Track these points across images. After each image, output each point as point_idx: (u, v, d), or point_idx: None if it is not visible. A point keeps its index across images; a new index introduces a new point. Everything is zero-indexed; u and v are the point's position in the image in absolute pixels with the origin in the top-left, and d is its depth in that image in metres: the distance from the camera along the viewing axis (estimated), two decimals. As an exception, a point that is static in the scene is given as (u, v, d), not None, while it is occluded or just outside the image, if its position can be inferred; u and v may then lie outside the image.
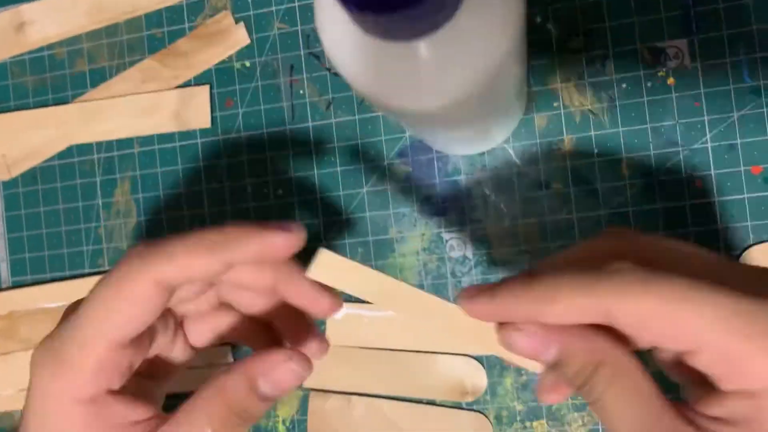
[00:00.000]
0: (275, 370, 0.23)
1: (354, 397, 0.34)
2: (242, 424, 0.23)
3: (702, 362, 0.18)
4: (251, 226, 0.22)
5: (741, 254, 0.30)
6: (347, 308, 0.34)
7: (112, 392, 0.23)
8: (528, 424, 0.33)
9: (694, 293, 0.18)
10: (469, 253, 0.33)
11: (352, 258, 0.34)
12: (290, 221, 0.23)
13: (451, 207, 0.33)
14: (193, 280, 0.23)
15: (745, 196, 0.30)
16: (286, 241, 0.22)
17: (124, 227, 0.37)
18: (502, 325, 0.20)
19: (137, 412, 0.23)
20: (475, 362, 0.33)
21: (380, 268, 0.34)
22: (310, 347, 0.27)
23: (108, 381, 0.22)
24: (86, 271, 0.38)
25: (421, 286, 0.33)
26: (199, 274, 0.22)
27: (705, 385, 0.19)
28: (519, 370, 0.33)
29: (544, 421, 0.32)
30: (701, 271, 0.19)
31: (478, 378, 0.33)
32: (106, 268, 0.37)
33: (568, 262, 0.22)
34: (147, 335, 0.24)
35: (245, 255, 0.22)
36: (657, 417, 0.18)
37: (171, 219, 0.36)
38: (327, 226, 0.35)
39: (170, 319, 0.26)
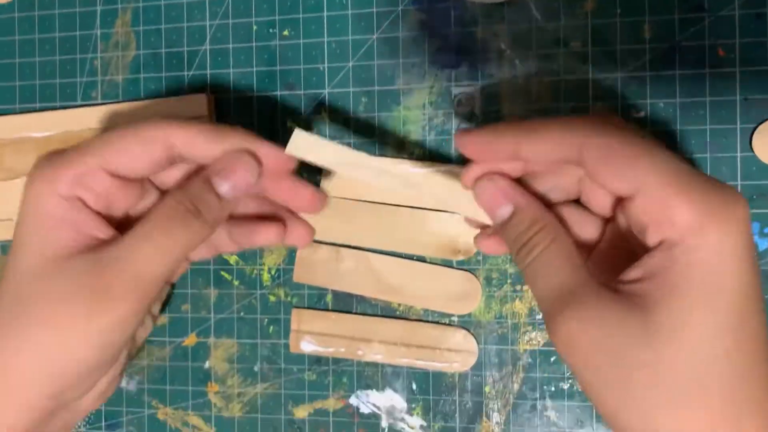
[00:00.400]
0: (229, 167, 0.25)
1: (343, 250, 0.33)
2: (199, 223, 0.25)
3: (638, 207, 0.21)
4: (259, 139, 0.26)
5: (756, 128, 0.29)
6: (345, 157, 0.33)
7: (86, 204, 0.25)
8: (518, 287, 0.32)
9: (647, 146, 0.21)
10: (478, 110, 0.32)
11: (354, 109, 0.33)
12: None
13: (464, 60, 0.32)
14: (193, 156, 0.26)
15: (768, 68, 0.29)
16: (278, 158, 0.26)
17: (121, 60, 0.36)
18: (477, 180, 0.25)
19: (101, 229, 0.25)
20: None
21: (383, 121, 0.33)
22: (298, 230, 0.29)
23: (84, 192, 0.25)
24: (78, 103, 0.36)
25: (423, 142, 0.32)
26: (199, 152, 0.25)
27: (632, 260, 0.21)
28: (515, 232, 0.32)
29: (534, 285, 0.32)
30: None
31: (471, 237, 0.32)
32: (99, 101, 0.36)
33: None
34: (132, 193, 0.27)
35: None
36: (581, 281, 0.21)
37: (170, 54, 0.35)
38: (332, 72, 0.33)
39: None
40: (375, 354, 0.33)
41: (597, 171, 0.21)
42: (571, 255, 0.22)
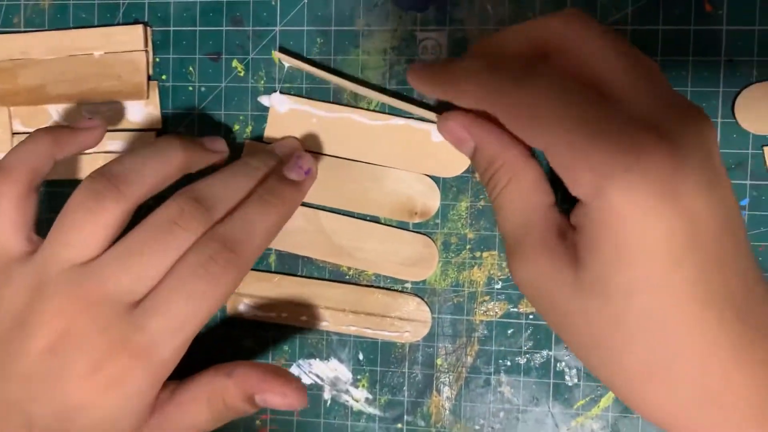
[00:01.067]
0: (271, 393, 0.26)
1: (290, 206, 0.30)
2: (230, 417, 0.26)
3: (552, 164, 0.20)
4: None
5: (739, 92, 0.27)
6: (294, 103, 0.30)
7: None
8: (478, 254, 0.29)
9: (555, 100, 0.20)
10: (444, 58, 0.29)
11: (308, 50, 0.30)
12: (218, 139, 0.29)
13: (432, 2, 0.29)
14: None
15: (756, 28, 0.27)
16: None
17: (48, -18, 0.32)
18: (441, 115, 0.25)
19: None
20: (430, 180, 0.29)
21: (340, 65, 0.30)
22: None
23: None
24: (-3, 29, 0.32)
25: (383, 91, 0.29)
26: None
27: None
28: (476, 194, 0.29)
29: (495, 252, 0.29)
30: (613, 80, 0.20)
31: (430, 198, 0.29)
32: (22, 28, 0.32)
33: (501, 45, 0.24)
34: None
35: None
36: (531, 226, 0.22)
37: (104, -21, 0.31)
38: (285, 7, 0.30)
39: None
40: (320, 320, 0.30)
41: (510, 129, 0.22)
42: (528, 196, 0.22)
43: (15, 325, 0.23)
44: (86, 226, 0.23)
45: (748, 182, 0.28)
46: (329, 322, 0.30)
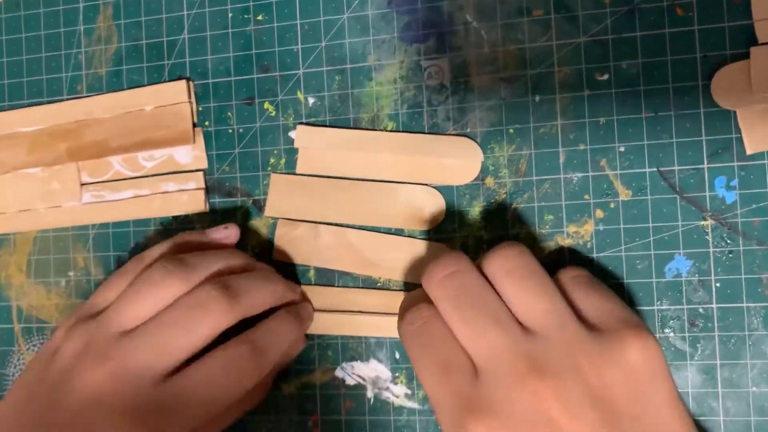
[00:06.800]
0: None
1: (321, 226, 0.34)
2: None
3: None
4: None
5: (715, 72, 0.30)
6: (315, 132, 0.34)
7: None
8: (494, 252, 0.32)
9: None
10: (447, 82, 0.33)
11: (329, 87, 0.34)
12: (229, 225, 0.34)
13: (432, 34, 0.33)
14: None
15: (726, 24, 0.30)
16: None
17: (104, 53, 0.37)
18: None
19: None
20: (434, 190, 0.33)
21: (356, 97, 0.34)
22: None
23: None
24: (64, 96, 0.37)
25: (396, 115, 0.33)
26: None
27: None
28: (488, 198, 0.33)
29: (510, 249, 0.32)
30: None
31: (436, 206, 0.33)
32: (85, 93, 0.37)
33: None
34: None
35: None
36: None
37: (150, 45, 0.36)
38: (305, 53, 0.34)
39: None
40: (359, 325, 0.34)
41: None
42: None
43: (62, 377, 0.27)
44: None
45: (735, 164, 0.30)
46: (366, 326, 0.33)
